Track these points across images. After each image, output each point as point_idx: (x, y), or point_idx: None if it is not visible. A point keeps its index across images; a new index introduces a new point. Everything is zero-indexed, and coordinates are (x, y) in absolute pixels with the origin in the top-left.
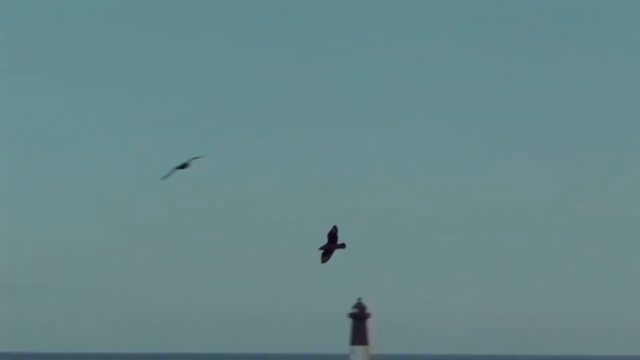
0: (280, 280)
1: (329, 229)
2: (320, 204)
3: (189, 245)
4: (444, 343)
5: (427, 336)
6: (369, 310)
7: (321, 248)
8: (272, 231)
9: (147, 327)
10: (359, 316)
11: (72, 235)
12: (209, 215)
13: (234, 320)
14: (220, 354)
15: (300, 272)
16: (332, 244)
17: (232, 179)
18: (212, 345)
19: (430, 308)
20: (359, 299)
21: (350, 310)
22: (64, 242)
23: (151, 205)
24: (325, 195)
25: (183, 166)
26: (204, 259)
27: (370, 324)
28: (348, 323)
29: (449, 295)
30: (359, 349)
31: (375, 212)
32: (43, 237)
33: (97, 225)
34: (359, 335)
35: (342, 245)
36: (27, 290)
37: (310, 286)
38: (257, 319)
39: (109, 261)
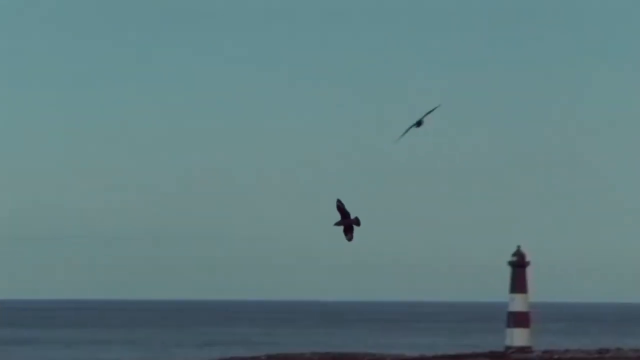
0: (441, 230)
1: (489, 173)
2: (473, 153)
3: (360, 196)
4: (604, 290)
5: (586, 284)
6: (528, 258)
7: (337, 224)
8: (438, 182)
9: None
10: (519, 264)
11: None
12: (376, 168)
13: (398, 270)
14: (385, 302)
15: (461, 221)
16: (346, 220)
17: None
18: (379, 293)
19: (591, 255)
20: (519, 247)
21: (510, 258)
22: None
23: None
24: (478, 145)
25: (418, 124)
26: (374, 211)
27: (530, 271)
28: (508, 271)
29: (609, 242)
30: (519, 296)
31: (533, 158)
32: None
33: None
34: (519, 283)
35: (357, 221)
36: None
37: (471, 235)
38: (420, 269)
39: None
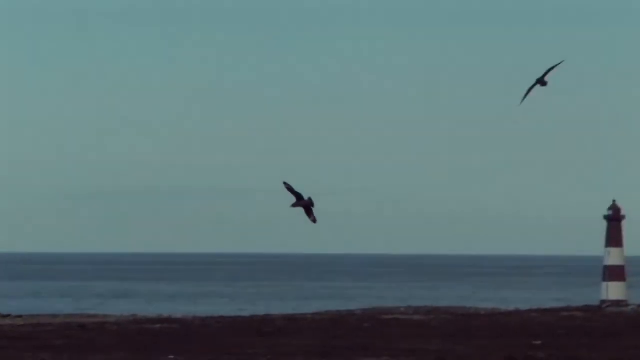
0: (537, 184)
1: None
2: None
3: (457, 151)
4: None
5: None
6: (623, 212)
7: (294, 206)
8: (534, 136)
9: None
10: (614, 218)
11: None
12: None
13: (494, 224)
14: (480, 256)
15: (555, 176)
16: (302, 201)
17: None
18: (475, 247)
19: None
20: (614, 201)
21: (605, 212)
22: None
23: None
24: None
25: (543, 83)
26: (468, 164)
27: (626, 225)
28: (603, 225)
29: None
30: (614, 250)
31: (629, 111)
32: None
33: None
34: (614, 237)
35: (311, 202)
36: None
37: (567, 189)
38: (516, 223)
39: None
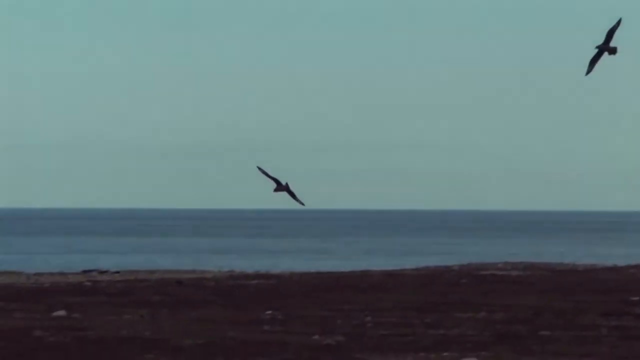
0: (634, 140)
1: None
2: None
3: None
4: None
5: None
6: None
7: (277, 190)
8: (618, 94)
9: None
10: None
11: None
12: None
13: (596, 179)
14: (581, 212)
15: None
16: (281, 186)
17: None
18: (575, 203)
19: None
20: None
21: None
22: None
23: None
24: None
25: (610, 50)
26: (563, 116)
27: None
28: None
29: None
30: None
31: None
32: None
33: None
34: None
35: (288, 188)
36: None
37: None
38: (617, 178)
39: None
